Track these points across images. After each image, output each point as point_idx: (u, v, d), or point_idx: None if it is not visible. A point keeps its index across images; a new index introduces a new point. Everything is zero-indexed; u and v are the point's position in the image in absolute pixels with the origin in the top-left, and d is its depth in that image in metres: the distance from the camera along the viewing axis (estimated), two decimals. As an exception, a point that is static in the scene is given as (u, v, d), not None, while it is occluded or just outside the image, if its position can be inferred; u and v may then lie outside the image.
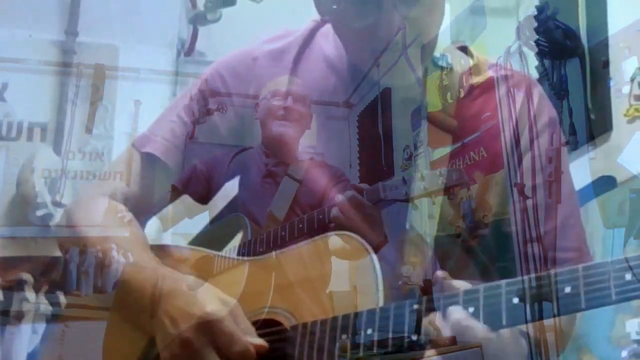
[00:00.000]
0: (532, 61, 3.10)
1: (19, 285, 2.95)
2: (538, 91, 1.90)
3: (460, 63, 1.92)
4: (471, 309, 1.42)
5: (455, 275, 1.61)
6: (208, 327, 1.55)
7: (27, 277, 2.98)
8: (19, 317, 2.86)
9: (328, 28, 1.92)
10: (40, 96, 3.54)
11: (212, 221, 1.91)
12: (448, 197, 1.77)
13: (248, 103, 1.87)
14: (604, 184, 2.83)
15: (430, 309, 1.46)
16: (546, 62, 3.12)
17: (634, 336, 3.03)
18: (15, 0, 3.27)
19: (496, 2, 3.36)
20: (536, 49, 2.95)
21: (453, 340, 1.46)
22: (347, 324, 1.51)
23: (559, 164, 1.81)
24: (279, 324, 1.62)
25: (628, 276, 1.27)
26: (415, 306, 1.46)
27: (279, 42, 1.95)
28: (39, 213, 3.31)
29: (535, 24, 2.93)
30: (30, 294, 2.88)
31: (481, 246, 1.79)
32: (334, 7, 1.81)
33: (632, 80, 3.16)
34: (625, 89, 3.08)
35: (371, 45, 1.78)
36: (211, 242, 1.85)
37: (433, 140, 1.83)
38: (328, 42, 1.92)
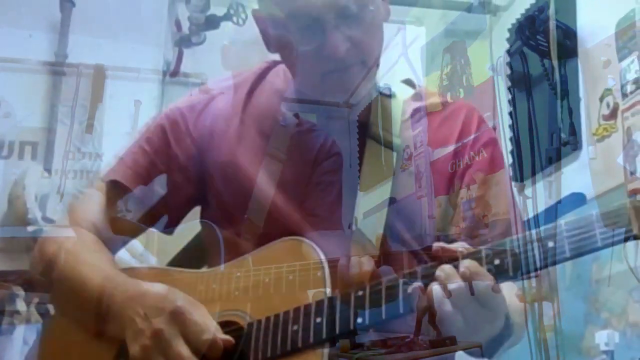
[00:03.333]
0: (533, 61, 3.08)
1: (11, 298, 2.93)
2: (477, 116, 1.93)
3: (404, 92, 1.95)
4: None
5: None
6: (179, 319, 1.58)
7: (18, 290, 2.95)
8: (11, 328, 2.89)
9: (280, 67, 1.95)
10: (30, 116, 3.54)
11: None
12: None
13: (205, 134, 1.90)
14: (574, 200, 2.80)
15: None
16: (546, 62, 3.08)
17: (603, 347, 3.05)
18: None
19: (469, 26, 3.34)
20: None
21: (453, 340, 1.44)
22: (297, 316, 1.54)
23: (501, 182, 1.84)
24: (236, 324, 1.64)
25: (551, 243, 1.38)
26: (360, 292, 1.50)
27: (233, 80, 1.98)
28: (30, 229, 3.30)
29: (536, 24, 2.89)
30: (21, 307, 2.89)
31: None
32: (283, 33, 1.82)
33: (602, 100, 3.13)
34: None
35: (320, 68, 1.80)
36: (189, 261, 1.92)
37: (433, 140, 1.86)
38: (279, 79, 1.95)
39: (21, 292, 2.93)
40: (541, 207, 1.94)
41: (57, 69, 3.68)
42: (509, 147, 2.63)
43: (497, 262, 1.44)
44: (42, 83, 3.59)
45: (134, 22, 3.58)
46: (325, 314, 1.51)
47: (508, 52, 1.78)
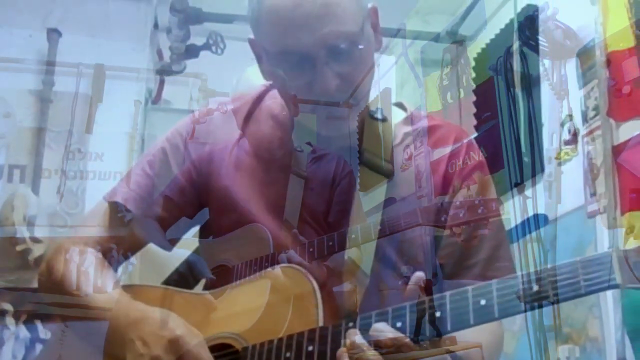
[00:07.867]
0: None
1: (0, 314, 2.92)
2: (467, 138, 1.91)
3: (395, 115, 1.93)
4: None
5: (456, 275, 1.65)
6: (176, 347, 1.57)
7: (7, 307, 2.93)
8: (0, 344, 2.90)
9: (275, 91, 1.94)
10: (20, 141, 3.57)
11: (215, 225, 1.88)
12: None
13: (204, 158, 1.89)
14: (537, 221, 2.77)
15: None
16: (546, 62, 3.05)
17: (564, 360, 3.05)
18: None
19: (435, 55, 3.31)
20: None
21: (453, 341, 1.37)
22: (291, 343, 1.51)
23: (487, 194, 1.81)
24: (231, 347, 1.63)
25: (535, 287, 1.28)
26: (351, 324, 1.43)
27: (232, 104, 1.98)
28: (19, 248, 3.32)
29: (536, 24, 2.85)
30: (10, 323, 2.90)
31: (481, 246, 1.76)
32: (277, 69, 1.82)
33: (563, 125, 3.11)
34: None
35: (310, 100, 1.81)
36: (227, 253, 1.86)
37: (433, 140, 1.84)
38: (275, 103, 1.92)
39: (10, 309, 2.90)
40: (541, 207, 1.88)
41: (44, 96, 3.73)
42: (509, 147, 2.60)
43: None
44: (38, 86, 3.60)
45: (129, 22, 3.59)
46: (316, 344, 1.47)
47: (508, 51, 1.72)
